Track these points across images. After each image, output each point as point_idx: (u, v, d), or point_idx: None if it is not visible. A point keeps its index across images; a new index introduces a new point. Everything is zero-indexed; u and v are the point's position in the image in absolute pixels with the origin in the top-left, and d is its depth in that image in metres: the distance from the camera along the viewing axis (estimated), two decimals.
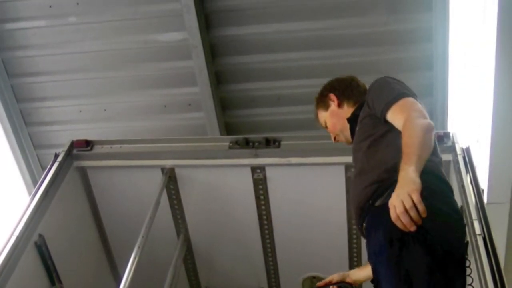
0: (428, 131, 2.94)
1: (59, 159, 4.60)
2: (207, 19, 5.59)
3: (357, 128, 3.47)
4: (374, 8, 5.45)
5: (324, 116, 3.85)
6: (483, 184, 5.24)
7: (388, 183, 2.99)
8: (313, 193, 4.71)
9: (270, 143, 4.55)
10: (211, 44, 5.71)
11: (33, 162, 6.60)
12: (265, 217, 4.91)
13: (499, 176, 5.66)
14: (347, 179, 4.55)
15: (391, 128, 3.21)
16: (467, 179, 3.88)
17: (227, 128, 6.20)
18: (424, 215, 2.64)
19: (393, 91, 3.29)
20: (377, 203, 3.07)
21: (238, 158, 4.60)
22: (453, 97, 5.65)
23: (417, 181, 2.69)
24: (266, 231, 5.01)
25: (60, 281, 4.50)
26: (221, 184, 4.78)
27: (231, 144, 4.61)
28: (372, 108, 3.35)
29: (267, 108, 6.06)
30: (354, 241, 4.93)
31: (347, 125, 3.68)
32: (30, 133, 6.50)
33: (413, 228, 2.65)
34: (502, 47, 5.06)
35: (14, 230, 4.04)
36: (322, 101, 3.87)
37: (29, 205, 4.21)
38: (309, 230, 4.94)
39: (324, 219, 4.85)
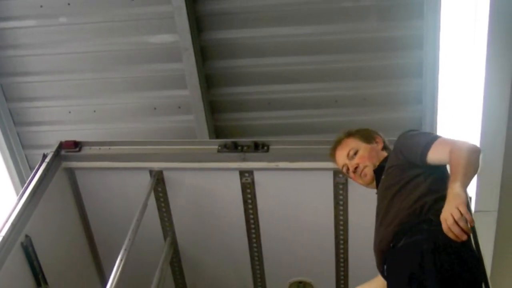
0: (474, 152, 3.18)
1: (47, 159, 4.59)
2: (199, 22, 5.59)
3: (383, 177, 3.57)
4: (366, 15, 5.46)
5: (361, 145, 3.86)
6: (471, 192, 5.25)
7: (407, 226, 3.19)
8: (301, 198, 4.72)
9: (258, 147, 4.56)
10: (202, 47, 5.71)
11: (21, 162, 6.57)
12: (252, 221, 4.91)
13: (487, 184, 5.68)
14: (335, 185, 4.57)
15: (420, 173, 3.37)
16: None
17: (217, 131, 6.19)
18: (472, 224, 2.88)
19: (427, 135, 3.54)
20: (399, 244, 3.19)
21: (226, 162, 4.60)
22: (442, 104, 5.66)
23: (463, 195, 2.93)
24: (253, 235, 5.01)
25: (46, 282, 4.49)
26: (209, 188, 4.77)
27: (219, 148, 4.61)
28: (404, 156, 3.48)
29: (257, 112, 6.06)
30: (341, 246, 4.93)
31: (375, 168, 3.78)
32: (18, 133, 6.47)
33: (464, 237, 2.86)
34: (493, 55, 5.08)
35: (1, 230, 4.03)
36: (365, 135, 3.93)
37: (16, 206, 4.20)
38: (297, 235, 4.94)
39: (311, 224, 4.86)
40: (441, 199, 3.24)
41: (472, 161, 3.12)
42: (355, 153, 3.82)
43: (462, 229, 2.85)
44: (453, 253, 2.97)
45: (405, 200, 3.28)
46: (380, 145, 3.89)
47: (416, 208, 3.21)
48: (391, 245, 3.24)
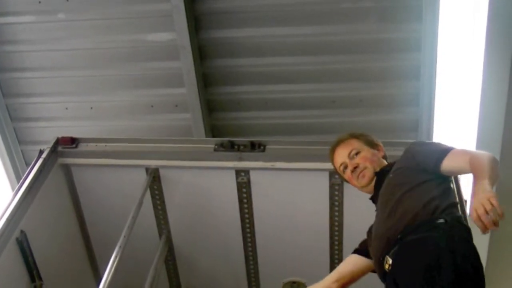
0: (494, 161, 3.22)
1: (44, 155, 4.59)
2: (197, 21, 5.59)
3: (391, 175, 3.56)
4: (365, 16, 5.47)
5: (364, 148, 3.85)
6: (467, 195, 5.25)
7: (421, 222, 3.21)
8: (297, 198, 4.73)
9: (255, 147, 4.56)
10: (199, 45, 5.70)
11: (17, 157, 6.57)
12: (247, 221, 4.92)
13: None
14: (331, 186, 4.57)
15: (431, 179, 3.40)
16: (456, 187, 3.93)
17: (213, 130, 6.20)
18: (502, 218, 2.90)
19: (442, 145, 3.59)
20: (408, 238, 3.20)
21: (222, 161, 4.61)
22: (439, 107, 5.66)
23: (492, 190, 2.96)
24: (248, 235, 5.01)
25: (40, 278, 4.49)
26: (205, 186, 4.78)
27: (216, 147, 4.62)
28: (416, 161, 3.51)
29: (254, 112, 6.06)
30: (336, 247, 4.94)
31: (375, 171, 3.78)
32: (15, 129, 6.47)
33: (493, 227, 2.88)
34: (490, 59, 5.08)
35: None
36: (369, 140, 3.93)
37: (11, 201, 4.21)
38: (291, 235, 4.95)
39: (306, 224, 4.86)
40: (453, 205, 3.37)
41: (494, 167, 3.16)
42: (357, 154, 3.81)
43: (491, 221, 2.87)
44: (469, 255, 3.06)
45: (418, 199, 3.30)
46: (381, 153, 3.90)
47: (430, 208, 3.24)
48: (399, 236, 3.24)
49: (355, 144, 3.87)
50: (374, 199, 3.71)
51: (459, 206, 3.60)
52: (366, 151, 3.83)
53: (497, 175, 3.15)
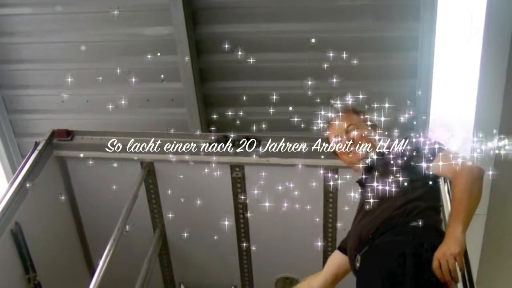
0: (477, 180, 3.18)
1: (39, 147, 4.60)
2: (194, 15, 5.59)
3: (376, 172, 3.51)
4: (362, 14, 5.47)
5: (362, 125, 3.82)
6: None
7: (393, 223, 3.22)
8: (291, 194, 4.72)
9: (250, 143, 4.57)
10: (197, 40, 5.71)
11: (13, 149, 6.57)
12: (241, 216, 4.94)
13: None
14: (326, 182, 4.58)
15: (417, 179, 3.38)
16: (444, 189, 3.91)
17: (209, 125, 6.19)
18: (462, 272, 2.98)
19: (433, 144, 3.51)
20: (378, 240, 3.21)
21: (217, 156, 4.62)
22: (435, 106, 5.67)
23: (463, 242, 2.96)
24: (242, 230, 5.03)
25: (34, 270, 4.51)
26: (199, 181, 4.78)
27: (211, 141, 4.62)
28: (404, 158, 3.48)
29: (250, 107, 6.05)
30: (329, 244, 4.96)
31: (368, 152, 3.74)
32: (11, 121, 6.47)
33: (451, 285, 2.96)
34: (488, 59, 5.09)
35: None
36: (369, 120, 3.90)
37: (6, 193, 4.22)
38: (285, 231, 4.97)
39: (300, 220, 4.87)
40: (433, 208, 3.34)
41: (475, 193, 3.14)
42: (354, 129, 3.76)
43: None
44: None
45: (398, 199, 3.29)
46: (378, 135, 3.84)
47: (407, 208, 3.23)
48: (371, 236, 3.25)
49: (355, 120, 3.84)
50: (360, 182, 3.70)
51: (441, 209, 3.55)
52: (364, 129, 3.79)
53: (477, 202, 3.14)
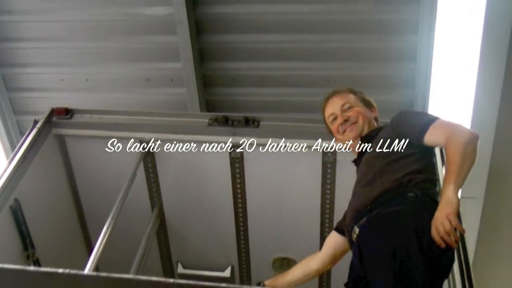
0: (470, 142, 3.18)
1: (38, 125, 4.60)
2: None
3: (372, 144, 3.56)
4: None
5: (359, 104, 3.85)
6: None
7: (391, 194, 3.23)
8: (289, 175, 4.75)
9: (249, 123, 4.59)
10: (196, 20, 5.69)
11: (12, 127, 6.57)
12: (239, 196, 4.95)
13: (474, 170, 5.70)
14: (324, 164, 4.60)
15: (413, 153, 3.39)
16: (442, 172, 3.93)
17: (208, 105, 6.20)
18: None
19: (426, 115, 3.57)
20: (376, 211, 3.22)
21: (216, 135, 4.64)
22: (434, 90, 5.67)
23: (455, 201, 3.00)
24: (240, 210, 5.05)
25: (33, 247, 4.53)
26: (198, 160, 4.80)
27: (210, 121, 4.64)
28: (399, 132, 3.48)
29: (249, 88, 6.06)
30: (326, 225, 4.97)
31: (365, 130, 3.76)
32: (10, 99, 6.46)
33: (454, 246, 2.99)
34: (488, 42, 5.09)
35: None
36: (365, 99, 3.94)
37: (6, 170, 4.23)
38: (283, 212, 4.99)
39: (298, 201, 4.90)
40: (430, 180, 3.34)
41: (468, 154, 3.14)
42: (349, 108, 3.79)
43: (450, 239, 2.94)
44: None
45: (395, 173, 3.30)
46: (374, 115, 3.89)
47: (404, 180, 3.24)
48: (368, 207, 3.26)
49: (351, 99, 3.86)
50: (356, 162, 3.73)
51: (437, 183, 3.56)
52: (360, 107, 3.82)
53: (471, 163, 3.14)
